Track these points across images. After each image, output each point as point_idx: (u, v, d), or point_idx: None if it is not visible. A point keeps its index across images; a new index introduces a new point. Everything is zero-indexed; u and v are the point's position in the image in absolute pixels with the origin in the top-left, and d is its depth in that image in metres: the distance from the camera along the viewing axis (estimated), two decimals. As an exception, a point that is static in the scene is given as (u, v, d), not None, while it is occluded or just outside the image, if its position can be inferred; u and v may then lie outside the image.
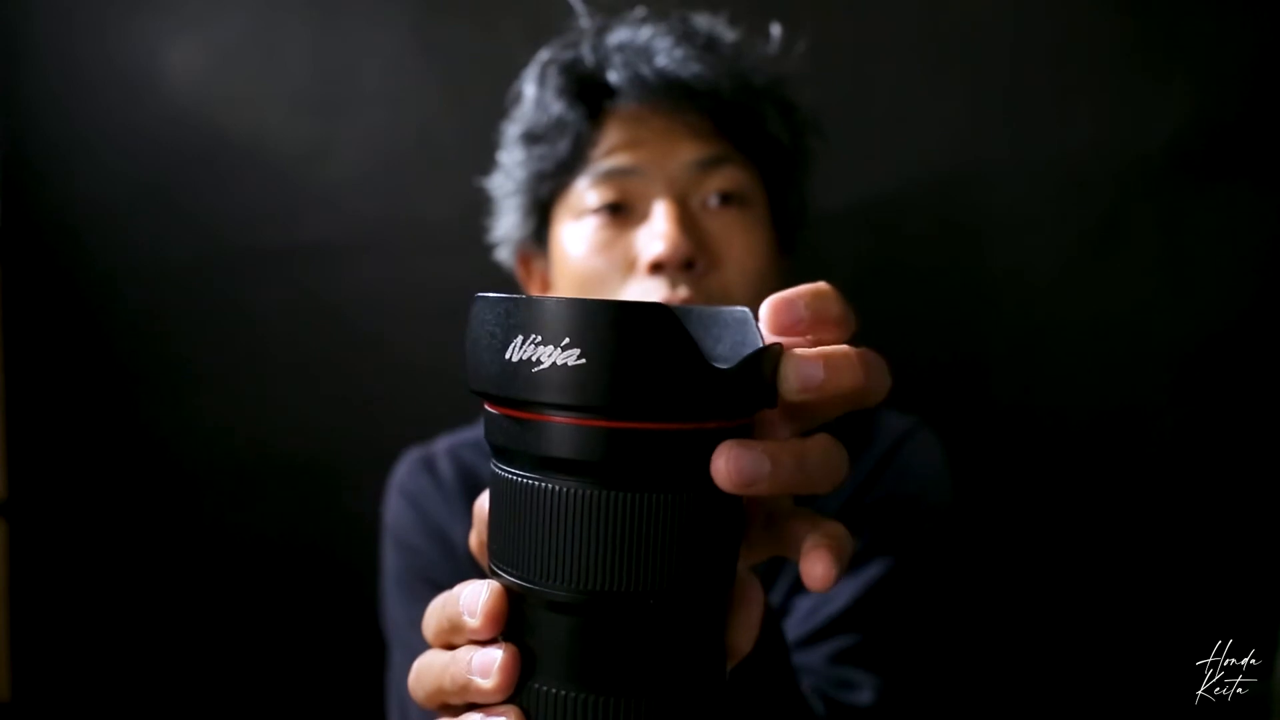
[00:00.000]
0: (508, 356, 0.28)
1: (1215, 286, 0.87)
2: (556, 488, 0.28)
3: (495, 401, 0.30)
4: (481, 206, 0.75)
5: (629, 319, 0.27)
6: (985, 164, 0.88)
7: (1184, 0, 0.86)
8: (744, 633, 0.34)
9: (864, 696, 0.58)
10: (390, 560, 0.73)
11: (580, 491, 0.28)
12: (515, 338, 0.28)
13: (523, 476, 0.29)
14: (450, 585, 0.34)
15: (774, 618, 0.39)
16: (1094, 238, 0.88)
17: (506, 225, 0.72)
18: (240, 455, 0.95)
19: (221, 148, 0.92)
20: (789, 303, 0.30)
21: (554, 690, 0.29)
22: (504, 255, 0.75)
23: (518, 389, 0.28)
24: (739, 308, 0.32)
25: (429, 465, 0.74)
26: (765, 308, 0.30)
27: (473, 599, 0.31)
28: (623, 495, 0.28)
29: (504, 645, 0.30)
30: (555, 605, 0.29)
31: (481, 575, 0.34)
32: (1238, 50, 0.85)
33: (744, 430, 0.30)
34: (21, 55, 0.92)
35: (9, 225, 0.93)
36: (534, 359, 0.28)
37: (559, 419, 0.28)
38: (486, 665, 0.30)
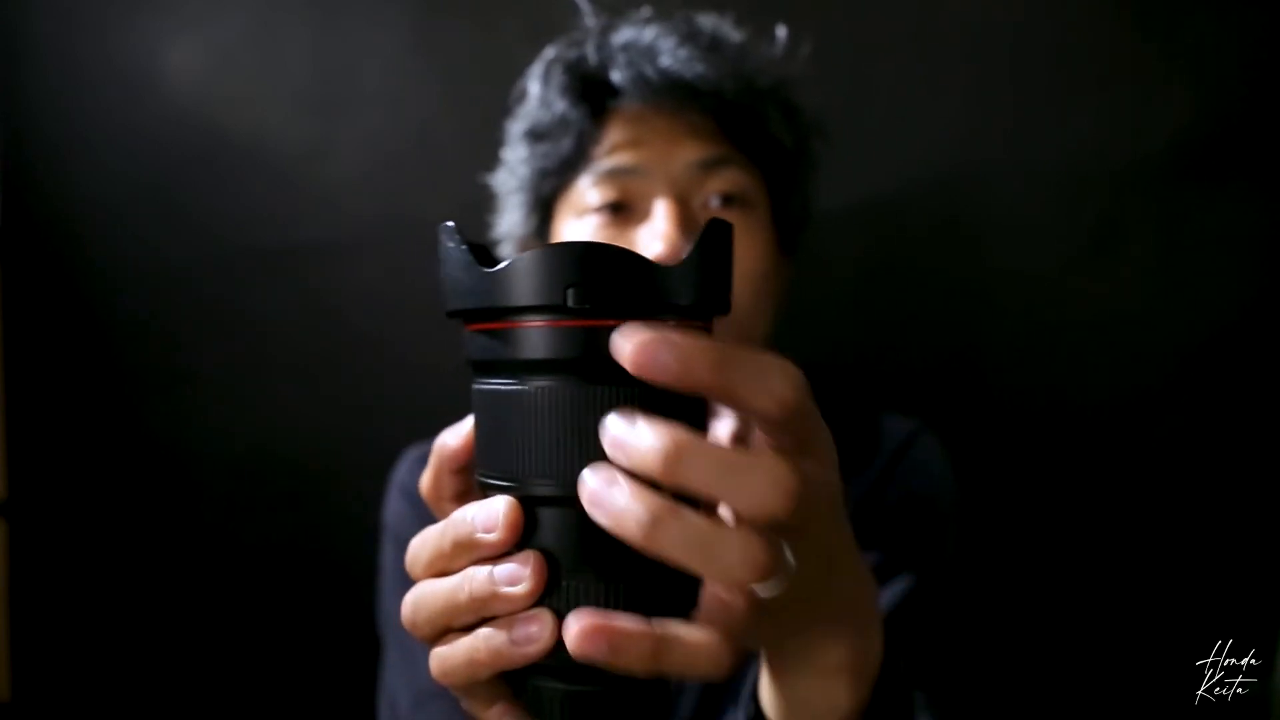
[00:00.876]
0: (495, 274, 0.30)
1: (1215, 286, 0.87)
2: (543, 387, 0.30)
3: (473, 317, 0.32)
4: (482, 205, 0.75)
5: (585, 245, 0.30)
6: (985, 164, 0.88)
7: (1184, 0, 0.86)
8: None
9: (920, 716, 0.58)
10: (388, 557, 0.73)
11: (566, 389, 0.30)
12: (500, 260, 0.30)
13: (511, 385, 0.31)
14: None
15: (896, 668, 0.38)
16: (1094, 238, 0.88)
17: (510, 222, 0.72)
18: (240, 455, 0.95)
19: (221, 148, 0.92)
20: (654, 343, 0.28)
21: (577, 584, 0.30)
22: (507, 251, 0.75)
23: (495, 299, 0.30)
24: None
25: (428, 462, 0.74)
26: (625, 344, 0.28)
27: (490, 515, 0.31)
28: (604, 389, 0.29)
29: (528, 553, 0.30)
30: (556, 502, 0.30)
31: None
32: (1238, 51, 0.85)
33: (705, 329, 0.33)
34: (21, 55, 0.91)
35: (9, 225, 0.93)
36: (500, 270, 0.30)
37: (537, 323, 0.30)
38: (515, 574, 0.30)
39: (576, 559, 0.30)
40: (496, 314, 0.31)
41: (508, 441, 0.31)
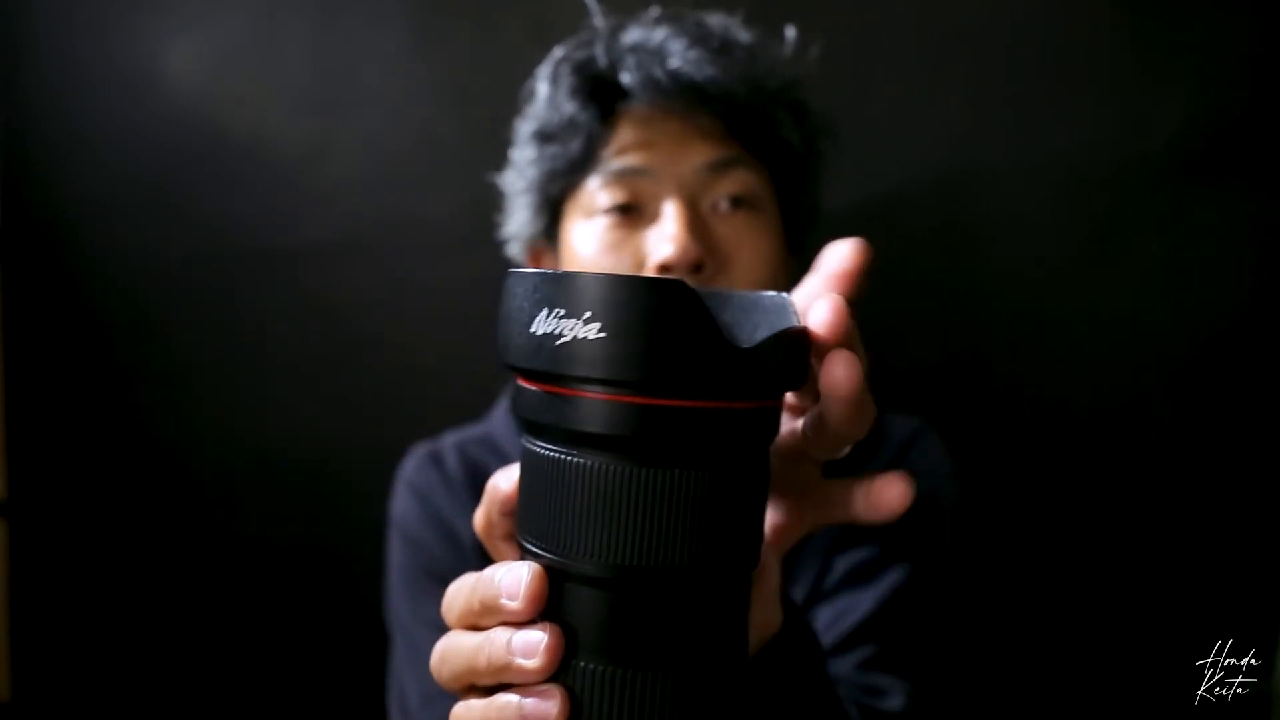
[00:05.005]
0: (533, 330, 0.29)
1: (1215, 286, 0.87)
2: (589, 463, 0.29)
3: (525, 375, 0.30)
4: (482, 206, 0.76)
5: (649, 293, 0.27)
6: (985, 164, 0.88)
7: (1184, 0, 0.86)
8: (767, 607, 0.35)
9: (895, 702, 0.58)
10: (396, 554, 0.73)
11: (613, 467, 0.28)
12: (540, 311, 0.28)
13: (556, 451, 0.29)
14: (455, 579, 0.34)
15: (793, 602, 0.40)
16: (1094, 237, 0.88)
17: (518, 222, 0.72)
18: (240, 454, 0.95)
19: (221, 148, 0.92)
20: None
21: (594, 667, 0.29)
22: (515, 251, 0.75)
23: (543, 362, 0.29)
24: (777, 293, 0.33)
25: (436, 460, 0.75)
26: (848, 246, 0.33)
27: (514, 582, 0.30)
28: (655, 472, 0.28)
29: (547, 625, 0.30)
30: (588, 580, 0.29)
31: (486, 562, 0.34)
32: (1238, 50, 0.85)
33: (773, 411, 0.31)
34: (21, 55, 0.91)
35: (9, 225, 0.93)
36: (557, 332, 0.28)
37: (590, 394, 0.28)
38: (531, 646, 0.30)
39: (597, 641, 0.30)
40: (555, 378, 0.29)
41: (548, 508, 0.30)
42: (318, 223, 0.93)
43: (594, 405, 0.28)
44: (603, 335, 0.27)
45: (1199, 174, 0.86)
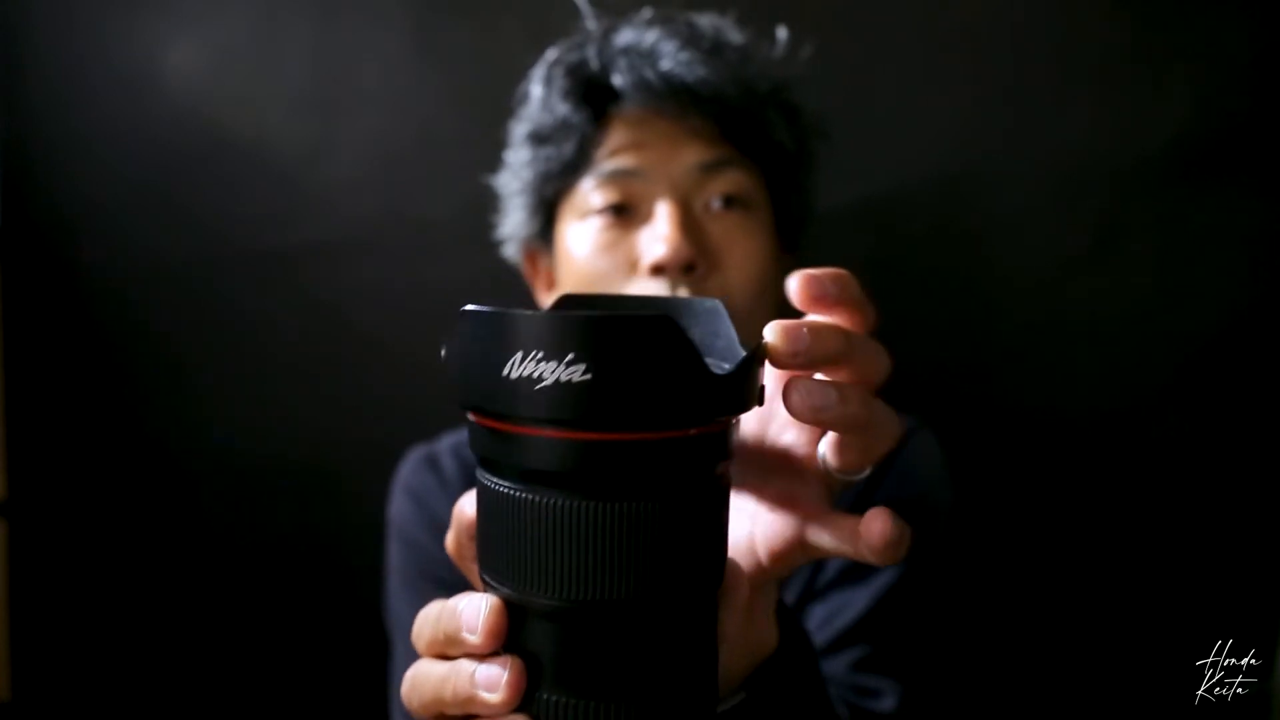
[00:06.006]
0: (505, 373, 0.28)
1: (1215, 286, 0.87)
2: (538, 499, 0.29)
3: (476, 412, 0.30)
4: (482, 206, 0.76)
5: (630, 332, 0.27)
6: (985, 164, 0.88)
7: (1184, 0, 0.86)
8: (761, 626, 0.35)
9: (886, 703, 0.59)
10: (395, 557, 0.73)
11: (563, 502, 0.28)
12: (514, 354, 0.28)
13: (507, 487, 0.29)
14: (453, 581, 0.34)
15: (793, 616, 0.40)
16: (1094, 238, 0.88)
17: (513, 223, 0.72)
18: (240, 455, 0.95)
19: (221, 148, 0.92)
20: (816, 278, 0.32)
21: (556, 699, 0.30)
22: (510, 252, 0.75)
23: (489, 401, 0.29)
24: (709, 299, 0.33)
25: (433, 462, 0.75)
26: (795, 279, 0.32)
27: (473, 615, 0.31)
28: (605, 505, 0.28)
29: (509, 658, 0.30)
30: (545, 614, 0.30)
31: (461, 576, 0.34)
32: (1238, 50, 0.85)
33: (721, 435, 0.31)
34: (21, 55, 0.91)
35: (9, 225, 0.93)
36: (536, 375, 0.27)
37: (535, 430, 0.28)
38: (493, 680, 0.30)
39: (558, 673, 0.30)
40: (502, 416, 0.29)
41: (503, 543, 0.30)
42: (318, 223, 0.93)
43: (540, 442, 0.28)
44: (588, 378, 0.27)
45: (1199, 174, 0.86)
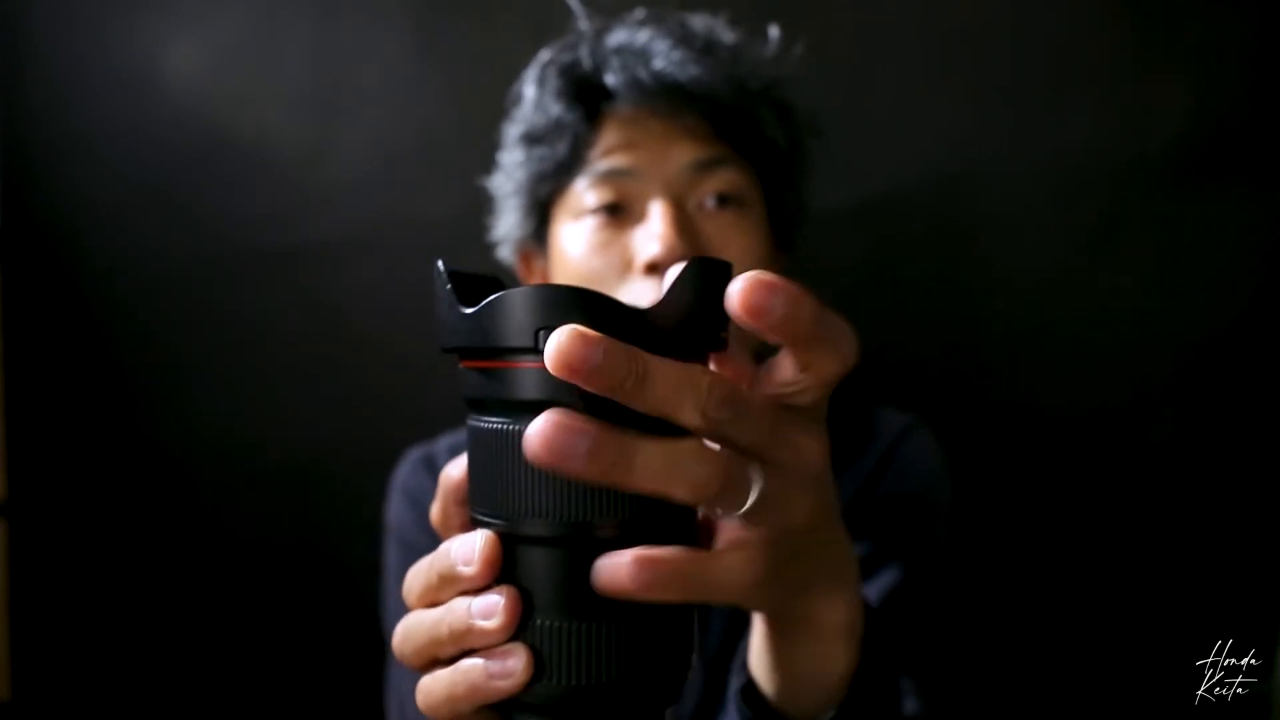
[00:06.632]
0: (465, 311, 0.30)
1: (1214, 286, 0.87)
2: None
3: (463, 355, 0.32)
4: (481, 206, 0.76)
5: (561, 289, 0.29)
6: (985, 164, 0.88)
7: (1184, 0, 0.86)
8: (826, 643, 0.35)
9: (909, 705, 0.58)
10: (392, 559, 0.73)
11: None
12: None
13: (498, 423, 0.31)
14: None
15: (877, 646, 0.38)
16: (1093, 238, 0.88)
17: (507, 224, 0.72)
18: (240, 455, 0.95)
19: (221, 148, 0.92)
20: (760, 285, 0.29)
21: (552, 623, 0.30)
22: (505, 253, 0.75)
23: (477, 339, 0.30)
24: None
25: (430, 464, 0.75)
26: (737, 283, 0.29)
27: (467, 549, 0.31)
28: None
29: (504, 587, 0.31)
30: (539, 541, 0.30)
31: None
32: (1237, 51, 0.85)
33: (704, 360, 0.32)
34: (21, 55, 0.92)
35: (9, 225, 0.93)
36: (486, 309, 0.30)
37: (524, 364, 0.30)
38: (490, 608, 0.30)
39: (552, 598, 0.30)
40: (483, 353, 0.31)
41: (494, 479, 0.31)
42: (318, 223, 0.93)
43: (528, 374, 0.30)
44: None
45: (1199, 174, 0.86)
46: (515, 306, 0.29)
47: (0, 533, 0.95)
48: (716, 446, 0.30)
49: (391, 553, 0.74)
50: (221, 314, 0.94)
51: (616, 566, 0.29)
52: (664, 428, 0.29)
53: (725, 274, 0.31)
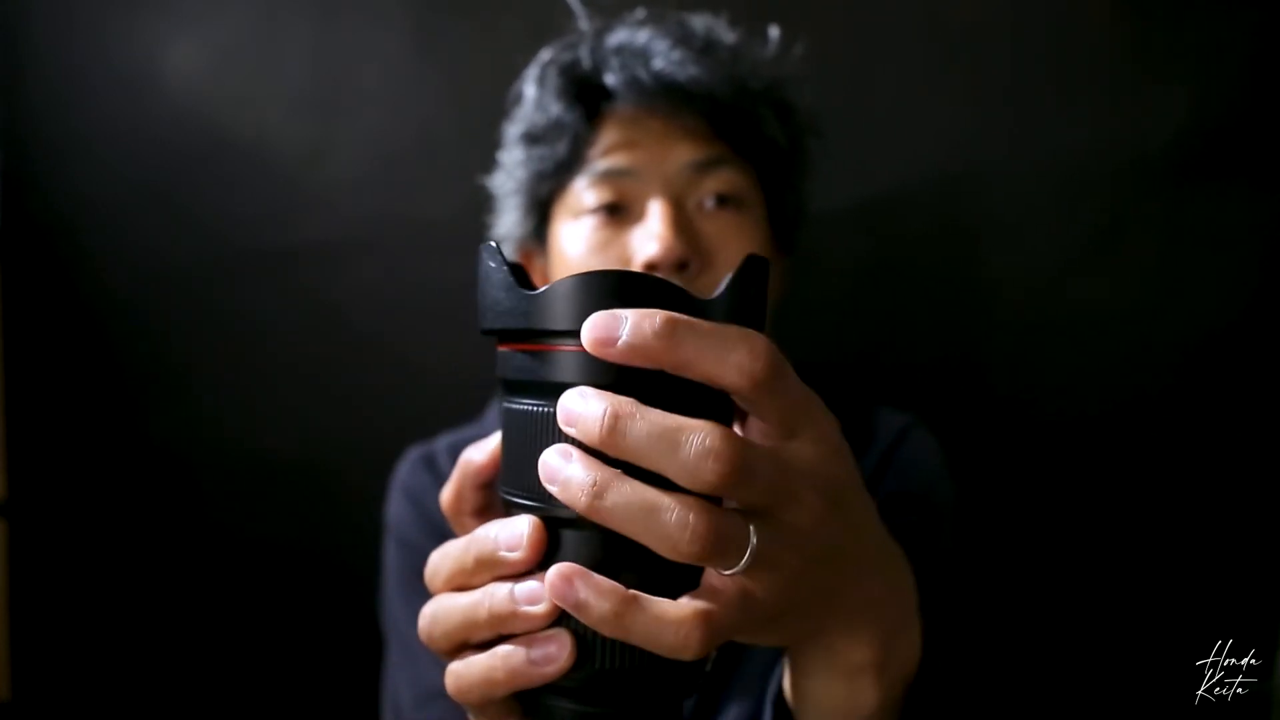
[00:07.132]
0: (509, 294, 0.31)
1: (1214, 286, 0.87)
2: None
3: (504, 338, 0.32)
4: (481, 206, 0.76)
5: (622, 274, 0.31)
6: (985, 164, 0.88)
7: (1184, 0, 0.86)
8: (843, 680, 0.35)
9: None
10: (392, 558, 0.73)
11: None
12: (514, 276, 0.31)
13: (540, 405, 0.31)
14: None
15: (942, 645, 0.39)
16: (1093, 238, 0.88)
17: (507, 223, 0.72)
18: (240, 455, 0.95)
19: (221, 148, 0.92)
20: (606, 317, 0.29)
21: None
22: (505, 252, 0.75)
23: (519, 321, 0.31)
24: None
25: (430, 463, 0.75)
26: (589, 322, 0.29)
27: (513, 536, 0.31)
28: None
29: (544, 574, 0.30)
30: (576, 524, 0.31)
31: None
32: (1237, 50, 0.85)
33: None
34: (21, 55, 0.92)
35: (9, 225, 0.93)
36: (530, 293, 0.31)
37: (566, 347, 0.30)
38: (535, 593, 0.30)
39: None
40: (533, 335, 0.31)
41: (532, 461, 0.31)
42: (318, 223, 0.93)
43: (570, 357, 0.30)
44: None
45: (1199, 174, 0.86)
46: (580, 291, 0.30)
47: (0, 533, 0.95)
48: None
49: (391, 552, 0.74)
50: (221, 314, 0.94)
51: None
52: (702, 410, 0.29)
53: (766, 270, 0.32)
